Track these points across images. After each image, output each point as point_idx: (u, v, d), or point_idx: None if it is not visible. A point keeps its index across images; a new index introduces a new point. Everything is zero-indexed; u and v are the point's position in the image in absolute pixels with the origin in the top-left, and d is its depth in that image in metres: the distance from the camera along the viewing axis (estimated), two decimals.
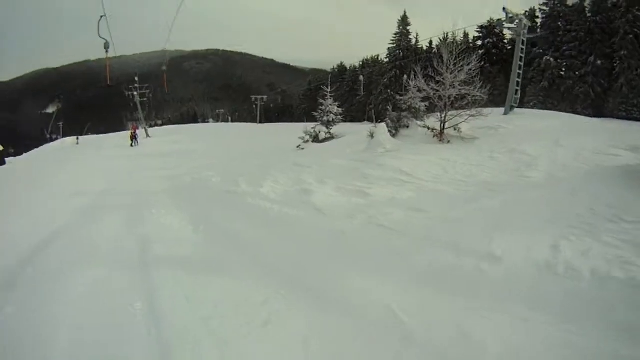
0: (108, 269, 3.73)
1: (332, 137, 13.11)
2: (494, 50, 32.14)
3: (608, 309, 2.47)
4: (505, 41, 32.05)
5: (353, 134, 12.55)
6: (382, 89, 34.39)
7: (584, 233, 3.37)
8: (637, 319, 2.36)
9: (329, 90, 13.76)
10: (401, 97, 10.27)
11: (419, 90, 9.33)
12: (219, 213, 5.96)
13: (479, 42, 32.24)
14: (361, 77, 32.95)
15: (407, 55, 34.55)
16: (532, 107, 23.98)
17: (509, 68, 29.02)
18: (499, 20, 13.29)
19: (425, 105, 9.92)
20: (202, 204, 6.67)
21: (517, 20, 12.53)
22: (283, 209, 5.50)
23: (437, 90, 8.73)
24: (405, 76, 10.48)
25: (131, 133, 25.63)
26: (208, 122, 70.86)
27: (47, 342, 2.59)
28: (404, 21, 36.07)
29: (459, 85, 8.55)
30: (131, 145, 23.82)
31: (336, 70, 44.44)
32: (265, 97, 42.49)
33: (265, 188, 6.82)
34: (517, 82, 12.23)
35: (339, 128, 13.91)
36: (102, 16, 12.42)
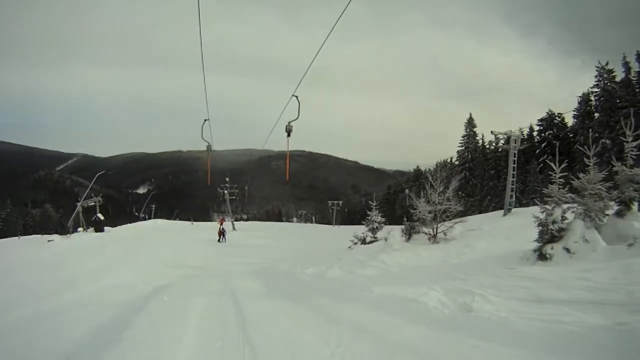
0: (213, 297, 8.17)
1: (376, 240, 17.11)
2: (554, 142, 32.31)
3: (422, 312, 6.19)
4: (568, 130, 33.48)
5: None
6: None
7: (436, 286, 6.98)
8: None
9: (374, 204, 18.18)
10: (413, 211, 14.25)
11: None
12: (279, 281, 10.46)
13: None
14: (407, 191, 36.51)
15: (475, 156, 37.95)
16: None
17: (575, 155, 30.31)
18: (490, 141, 17.16)
19: (432, 216, 13.72)
20: (271, 278, 11.25)
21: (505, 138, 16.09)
22: (311, 279, 9.85)
23: (426, 207, 12.81)
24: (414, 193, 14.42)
25: (219, 229, 27.12)
26: (292, 221, 76.98)
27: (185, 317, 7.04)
28: (470, 123, 39.92)
29: (445, 201, 12.53)
30: (219, 241, 25.80)
31: (412, 173, 48.74)
32: (340, 202, 48.33)
33: (309, 270, 11.23)
34: (512, 187, 15.64)
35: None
36: (205, 120, 12.51)
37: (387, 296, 6.58)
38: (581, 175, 7.65)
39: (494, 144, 36.49)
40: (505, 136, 16.92)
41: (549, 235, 7.24)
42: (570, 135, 32.82)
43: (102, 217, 36.69)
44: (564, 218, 7.33)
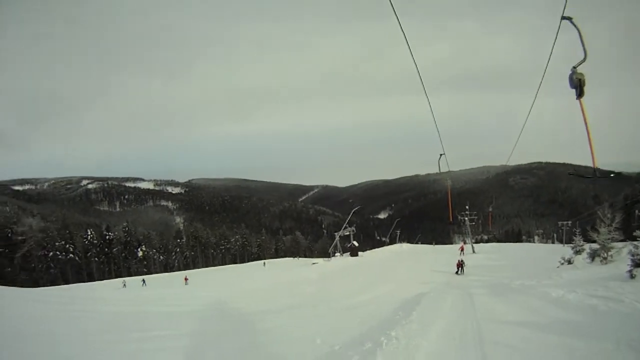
0: (457, 296, 17.92)
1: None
2: None
3: (539, 294, 14.86)
4: None
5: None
6: None
7: (561, 287, 15.07)
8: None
9: (577, 230, 24.32)
10: (597, 238, 20.27)
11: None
12: (497, 288, 19.55)
13: None
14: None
15: None
16: None
17: None
18: None
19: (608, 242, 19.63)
20: (493, 287, 20.42)
21: None
22: (515, 286, 18.48)
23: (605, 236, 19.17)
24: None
25: (458, 260, 28.07)
26: (532, 240, 74.82)
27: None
28: None
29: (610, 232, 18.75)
30: (457, 273, 26.93)
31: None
32: (570, 222, 48.68)
33: (517, 282, 19.65)
34: None
35: None
36: (441, 154, 12.64)
37: (538, 291, 15.18)
38: None
39: None
40: None
41: (636, 262, 14.11)
42: None
43: (356, 244, 47.78)
44: None
